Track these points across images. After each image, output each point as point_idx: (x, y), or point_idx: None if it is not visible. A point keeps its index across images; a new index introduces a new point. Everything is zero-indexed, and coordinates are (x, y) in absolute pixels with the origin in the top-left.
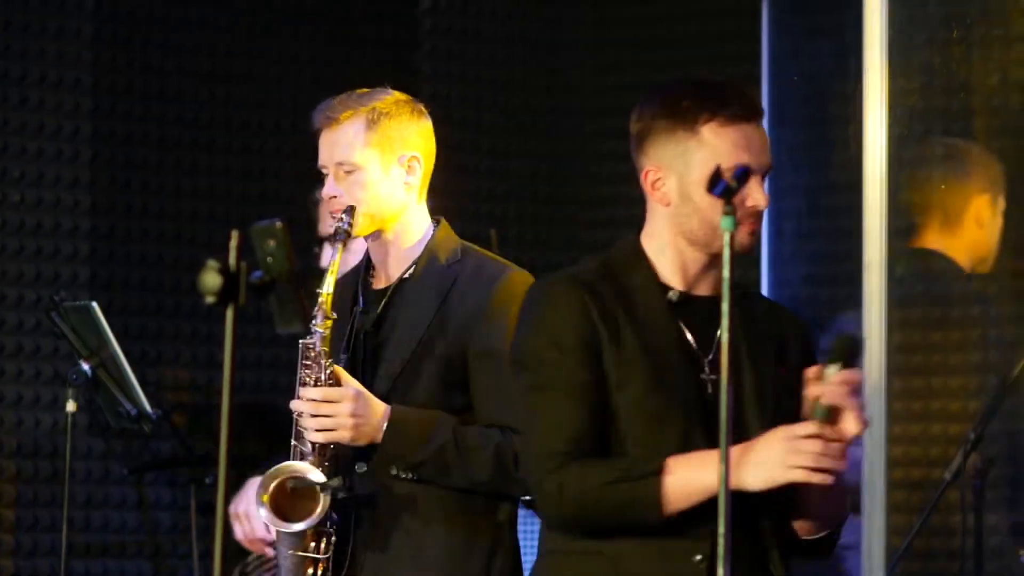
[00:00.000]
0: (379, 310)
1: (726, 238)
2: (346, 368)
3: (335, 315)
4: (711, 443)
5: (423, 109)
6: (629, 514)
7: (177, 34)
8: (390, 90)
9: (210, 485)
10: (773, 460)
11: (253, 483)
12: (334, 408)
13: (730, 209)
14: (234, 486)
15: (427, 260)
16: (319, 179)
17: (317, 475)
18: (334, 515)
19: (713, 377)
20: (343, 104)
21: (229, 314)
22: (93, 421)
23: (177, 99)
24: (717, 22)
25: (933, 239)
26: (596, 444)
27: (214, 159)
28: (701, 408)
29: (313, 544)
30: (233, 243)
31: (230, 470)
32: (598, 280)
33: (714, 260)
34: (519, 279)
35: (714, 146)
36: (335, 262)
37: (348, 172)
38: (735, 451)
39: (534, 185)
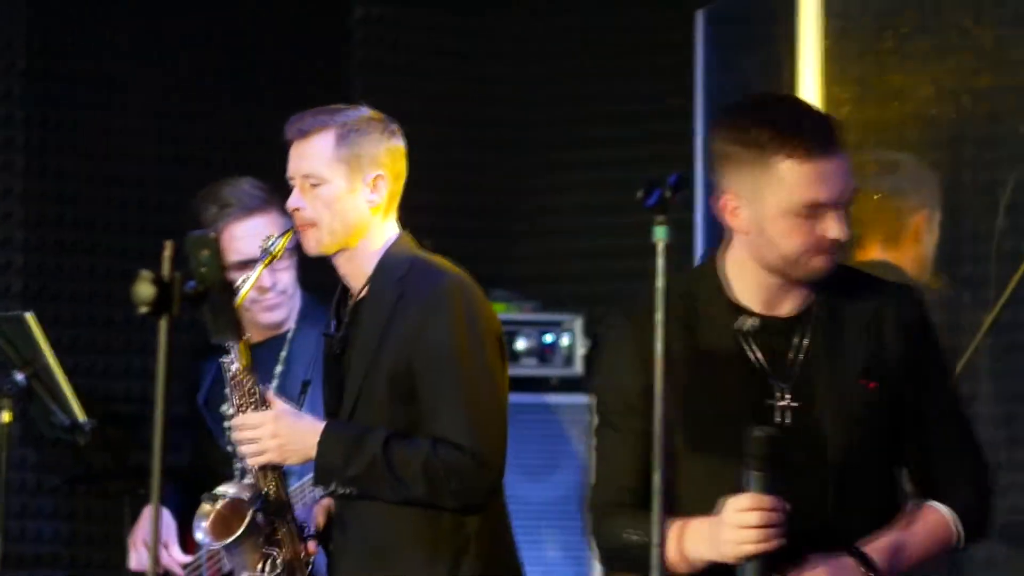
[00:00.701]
0: (342, 332)
1: (659, 247)
2: (323, 391)
3: (248, 333)
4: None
5: (396, 129)
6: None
7: (110, 45)
8: (364, 108)
9: (143, 497)
10: (723, 538)
11: (149, 512)
12: (255, 433)
13: (663, 219)
14: (168, 498)
15: (378, 277)
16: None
17: (244, 492)
18: (308, 531)
19: (795, 404)
20: (315, 118)
21: (163, 324)
22: (27, 432)
23: (109, 109)
24: (650, 33)
25: (876, 252)
26: (644, 492)
27: (147, 169)
28: None
29: (260, 566)
30: (167, 253)
31: (163, 482)
32: (670, 310)
33: (794, 282)
34: (452, 286)
35: (787, 182)
36: (253, 278)
37: (314, 185)
38: (703, 524)
39: (467, 197)
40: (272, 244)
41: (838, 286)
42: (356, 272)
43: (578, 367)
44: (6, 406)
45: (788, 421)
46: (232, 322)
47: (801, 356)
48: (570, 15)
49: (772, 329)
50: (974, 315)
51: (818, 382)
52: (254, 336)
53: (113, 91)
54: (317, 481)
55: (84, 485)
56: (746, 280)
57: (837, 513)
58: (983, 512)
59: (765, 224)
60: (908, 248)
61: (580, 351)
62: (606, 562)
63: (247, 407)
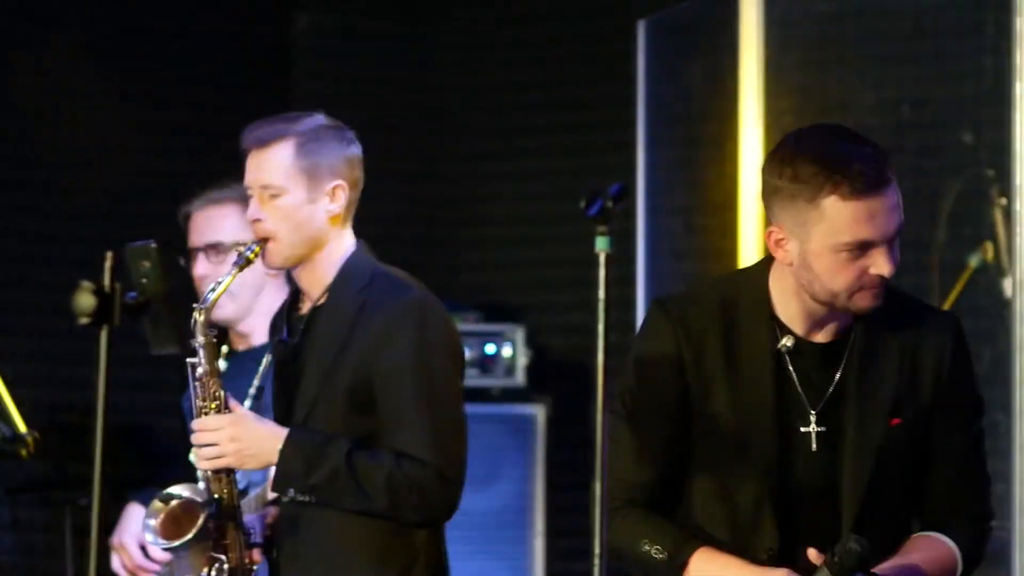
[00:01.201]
0: (297, 339)
1: (601, 258)
2: (273, 397)
3: (215, 331)
4: (785, 509)
5: (352, 137)
6: None
7: (49, 56)
8: (321, 116)
9: (85, 507)
10: None
11: (130, 513)
12: (213, 436)
13: (605, 229)
14: (109, 508)
15: (339, 286)
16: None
17: (198, 494)
18: (255, 539)
19: (821, 430)
20: (273, 127)
21: (103, 335)
22: None
23: (48, 118)
24: (593, 43)
25: None
26: (661, 493)
27: (88, 179)
28: (789, 468)
29: (205, 570)
30: (107, 264)
31: (105, 492)
32: (712, 315)
33: (839, 312)
34: (417, 301)
35: (833, 221)
36: (224, 283)
37: (273, 196)
38: (743, 571)
39: (410, 207)
40: (248, 250)
41: (880, 313)
42: (315, 282)
43: (520, 378)
44: None
45: (815, 448)
46: (173, 333)
47: (833, 385)
48: (513, 25)
49: (807, 352)
50: None
51: (846, 414)
52: (238, 344)
53: (53, 101)
54: (275, 487)
55: (25, 495)
56: (790, 302)
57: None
58: (981, 550)
59: (811, 260)
60: None
61: (522, 361)
62: (612, 557)
63: (209, 410)
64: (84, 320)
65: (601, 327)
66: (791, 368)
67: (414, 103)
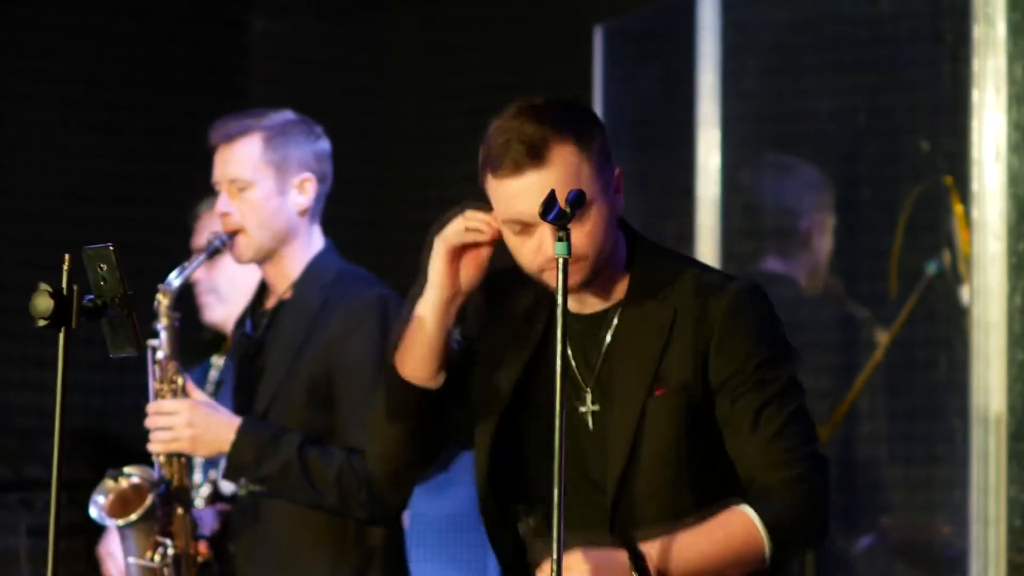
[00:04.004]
0: (260, 332)
1: (560, 263)
2: (234, 390)
3: (178, 314)
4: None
5: (321, 132)
6: None
7: (7, 58)
8: (289, 111)
9: (41, 509)
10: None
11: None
12: (170, 420)
13: (563, 235)
14: (65, 510)
15: (304, 282)
16: (155, 202)
17: (149, 476)
18: (202, 531)
19: (596, 408)
20: (240, 122)
21: (61, 337)
22: None
23: (4, 120)
24: (550, 47)
25: (771, 262)
26: None
27: (45, 182)
28: (569, 452)
29: (149, 553)
30: (65, 266)
31: (61, 494)
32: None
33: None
34: (379, 298)
35: (494, 198)
36: (191, 269)
37: (241, 189)
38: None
39: (367, 210)
40: (219, 240)
41: (653, 281)
42: (281, 276)
43: None
44: None
45: (592, 427)
46: (131, 336)
47: (603, 356)
48: (469, 29)
49: (580, 326)
50: (872, 333)
51: (613, 386)
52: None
53: (9, 104)
54: (226, 476)
55: None
56: None
57: (618, 529)
58: (800, 522)
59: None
60: (801, 255)
61: None
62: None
63: (166, 393)
64: (42, 322)
65: (560, 331)
66: (570, 344)
67: (370, 107)
